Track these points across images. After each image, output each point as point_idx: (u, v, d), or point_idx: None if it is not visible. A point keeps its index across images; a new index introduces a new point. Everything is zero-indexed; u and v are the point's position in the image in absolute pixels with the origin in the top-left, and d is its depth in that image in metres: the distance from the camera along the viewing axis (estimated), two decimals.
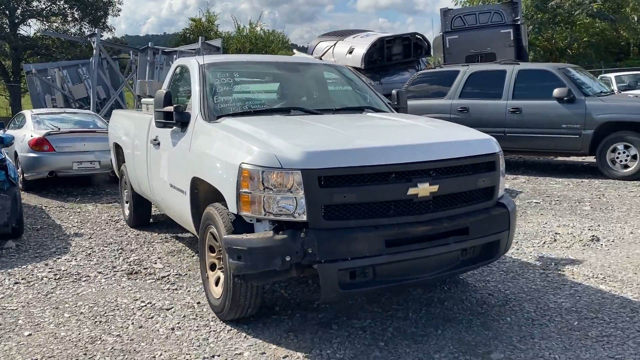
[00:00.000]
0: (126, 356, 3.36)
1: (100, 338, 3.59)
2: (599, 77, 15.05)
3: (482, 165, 3.64)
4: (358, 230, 3.18)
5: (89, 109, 15.29)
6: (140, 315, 3.94)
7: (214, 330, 3.65)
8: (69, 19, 33.40)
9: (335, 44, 12.48)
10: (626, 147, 8.50)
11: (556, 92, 8.75)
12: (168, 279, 4.69)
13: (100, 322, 3.84)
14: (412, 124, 4.15)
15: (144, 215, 6.73)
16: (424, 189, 3.30)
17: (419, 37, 13.00)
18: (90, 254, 5.52)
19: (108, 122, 8.38)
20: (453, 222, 3.43)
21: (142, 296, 4.30)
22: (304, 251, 3.10)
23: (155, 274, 4.81)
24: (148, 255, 5.37)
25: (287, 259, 3.11)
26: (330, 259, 3.11)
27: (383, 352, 3.31)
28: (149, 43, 16.38)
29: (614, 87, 15.86)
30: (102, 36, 17.91)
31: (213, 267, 3.93)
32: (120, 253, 5.51)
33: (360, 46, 12.05)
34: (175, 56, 14.45)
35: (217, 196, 3.79)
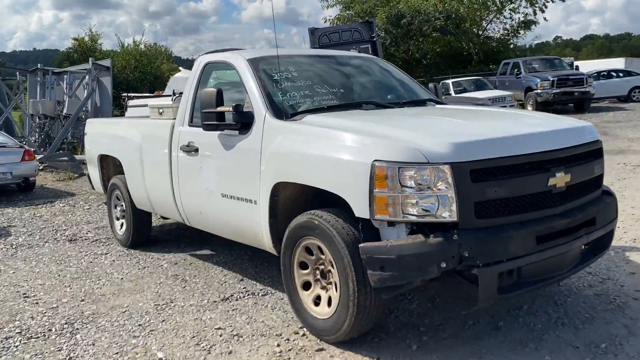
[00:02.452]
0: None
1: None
2: (440, 83, 17.19)
3: (596, 152, 3.48)
4: (510, 228, 2.89)
5: None
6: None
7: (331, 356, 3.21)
8: None
9: None
10: None
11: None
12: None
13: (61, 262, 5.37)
14: (510, 112, 3.93)
15: (145, 234, 6.02)
16: (561, 179, 3.08)
17: None
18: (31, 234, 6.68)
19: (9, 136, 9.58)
20: (583, 213, 3.23)
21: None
22: (459, 255, 2.76)
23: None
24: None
25: (443, 265, 2.75)
26: (488, 262, 2.79)
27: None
28: (38, 64, 16.31)
29: (452, 91, 18.77)
30: None
31: (307, 286, 3.46)
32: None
33: None
34: (65, 77, 14.62)
35: (314, 202, 3.37)
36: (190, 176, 4.49)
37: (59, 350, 3.48)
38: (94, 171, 6.56)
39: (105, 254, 5.68)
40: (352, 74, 4.52)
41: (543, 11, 25.01)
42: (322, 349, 3.28)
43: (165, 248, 5.81)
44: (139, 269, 5.14)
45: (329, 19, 24.54)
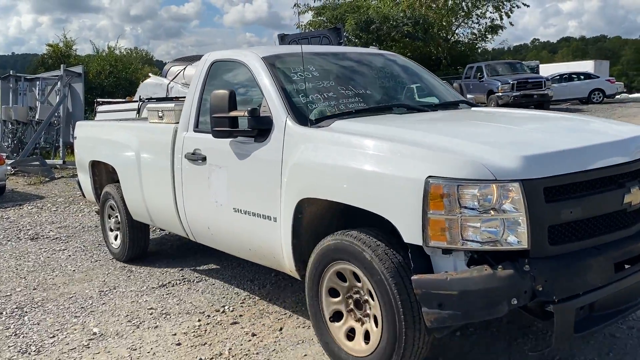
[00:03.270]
0: None
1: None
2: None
3: None
4: (587, 255, 2.47)
5: None
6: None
7: None
8: None
9: (185, 68, 13.65)
10: None
11: None
12: None
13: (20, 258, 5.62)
14: (564, 117, 3.51)
15: (142, 247, 5.53)
16: (636, 195, 2.67)
17: None
18: None
19: None
20: None
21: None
22: (532, 290, 2.33)
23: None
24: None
25: (514, 302, 2.32)
26: (566, 295, 2.37)
27: None
28: (10, 71, 16.55)
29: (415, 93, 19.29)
30: None
31: (338, 316, 3.02)
32: None
33: None
34: (38, 83, 14.78)
35: (341, 219, 2.94)
36: (197, 187, 4.02)
37: (7, 328, 3.93)
38: (84, 178, 6.05)
39: (64, 249, 6.01)
40: (376, 73, 4.07)
41: (509, 16, 25.59)
42: (236, 322, 3.80)
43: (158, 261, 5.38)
44: (91, 262, 5.53)
45: (302, 25, 24.75)
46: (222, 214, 3.76)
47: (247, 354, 3.31)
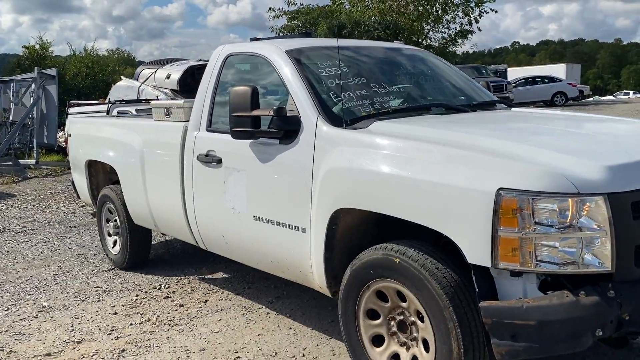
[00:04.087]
0: None
1: None
2: None
3: None
4: None
5: None
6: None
7: None
8: None
9: (156, 71, 14.65)
10: None
11: None
12: None
13: None
14: (616, 119, 3.23)
15: (144, 254, 5.18)
16: None
17: None
18: None
19: None
20: None
21: None
22: (618, 319, 2.04)
23: None
24: None
25: (599, 333, 2.03)
26: None
27: None
28: None
29: None
30: None
31: (378, 340, 2.71)
32: None
33: (176, 72, 14.48)
34: (12, 85, 14.92)
35: (375, 230, 2.64)
36: (210, 192, 3.68)
37: None
38: (80, 179, 5.67)
39: (27, 241, 6.32)
40: (408, 69, 3.76)
41: (477, 21, 25.85)
42: (168, 297, 4.36)
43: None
44: (51, 251, 5.90)
45: (276, 29, 24.79)
46: (240, 222, 3.43)
47: (171, 320, 3.91)
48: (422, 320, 2.46)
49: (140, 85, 14.19)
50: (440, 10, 25.87)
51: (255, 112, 3.08)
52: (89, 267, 5.30)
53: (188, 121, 3.96)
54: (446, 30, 26.94)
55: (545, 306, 2.04)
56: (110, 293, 4.54)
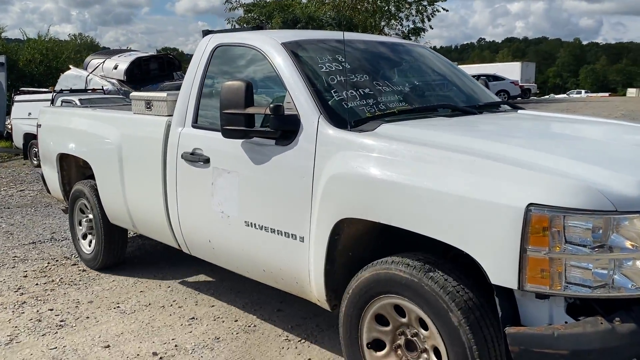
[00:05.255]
0: None
1: None
2: None
3: None
4: None
5: None
6: None
7: None
8: None
9: (104, 61, 15.04)
10: None
11: None
12: None
13: None
14: (634, 125, 3.08)
15: (119, 254, 4.88)
16: None
17: (170, 56, 16.41)
18: None
19: None
20: None
21: None
22: None
23: None
24: None
25: None
26: None
27: None
28: None
29: None
30: None
31: (377, 345, 2.52)
32: None
33: (123, 63, 14.83)
34: None
35: (379, 239, 2.46)
36: (196, 193, 3.42)
37: None
38: (51, 172, 5.32)
39: None
40: (411, 67, 3.55)
41: (430, 19, 26.65)
42: (75, 264, 5.03)
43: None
44: None
45: (232, 21, 24.96)
46: (230, 228, 3.18)
47: (72, 281, 4.61)
48: (438, 354, 2.27)
49: (88, 75, 14.20)
50: (394, 8, 26.35)
51: (250, 110, 2.83)
52: (13, 241, 5.92)
53: (171, 116, 3.69)
54: (400, 27, 27.51)
55: (579, 334, 1.87)
56: (26, 261, 5.19)
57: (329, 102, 2.83)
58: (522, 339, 1.93)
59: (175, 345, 3.40)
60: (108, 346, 3.43)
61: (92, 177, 4.65)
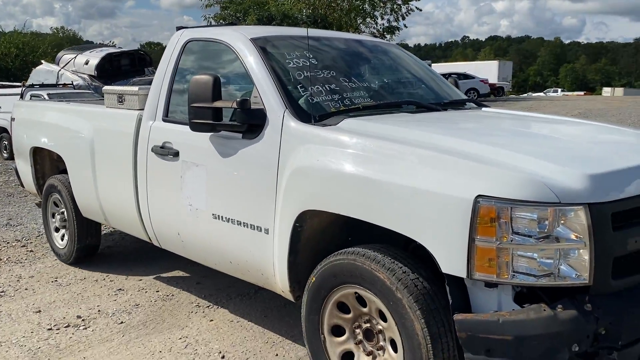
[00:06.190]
0: None
1: None
2: None
3: None
4: None
5: None
6: None
7: None
8: None
9: (76, 56, 14.40)
10: None
11: None
12: None
13: None
14: (595, 124, 3.17)
15: (92, 247, 4.88)
16: None
17: (141, 52, 15.72)
18: None
19: None
20: None
21: None
22: (595, 334, 1.97)
23: None
24: None
25: (575, 348, 1.96)
26: (631, 340, 2.03)
27: None
28: None
29: None
30: None
31: (338, 331, 2.59)
32: None
33: (94, 58, 14.24)
34: None
35: (343, 232, 2.52)
36: (166, 187, 3.45)
37: None
38: (24, 166, 5.29)
39: None
40: (378, 64, 3.62)
41: (404, 18, 27.10)
42: (24, 246, 5.41)
43: None
44: None
45: (209, 17, 25.13)
46: (198, 220, 3.22)
47: (18, 259, 5.01)
48: (393, 333, 2.34)
49: (60, 70, 14.19)
50: (369, 7, 26.62)
51: (217, 104, 2.87)
52: None
53: (143, 109, 3.71)
54: (375, 26, 27.76)
55: (522, 321, 1.95)
56: None
57: (295, 97, 2.89)
58: (469, 325, 2.00)
59: (99, 310, 3.85)
60: (39, 311, 3.83)
61: (65, 171, 4.65)
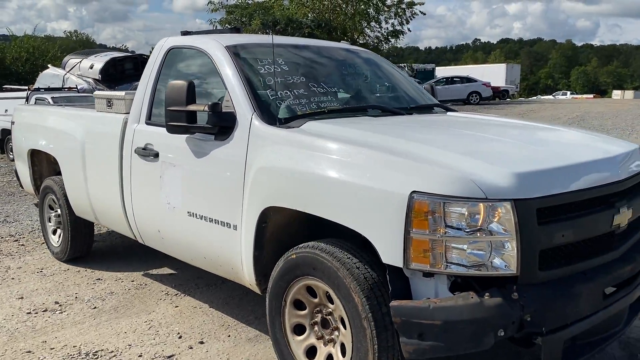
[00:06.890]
0: None
1: None
2: None
3: None
4: (576, 282, 2.29)
5: None
6: None
7: None
8: None
9: (81, 61, 15.41)
10: None
11: None
12: None
13: None
14: (548, 128, 3.33)
15: (85, 246, 5.09)
16: (624, 216, 2.52)
17: (145, 57, 16.24)
18: None
19: None
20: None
21: None
22: (521, 320, 2.13)
23: None
24: None
25: (501, 333, 2.11)
26: (555, 327, 2.19)
27: None
28: None
29: None
30: None
31: (299, 329, 2.76)
32: None
33: (99, 63, 15.30)
34: None
35: (306, 228, 2.68)
36: (147, 186, 3.65)
37: None
38: (23, 168, 5.53)
39: None
40: (348, 70, 3.79)
41: (408, 22, 27.13)
42: (17, 240, 5.76)
43: None
44: None
45: (214, 22, 25.26)
46: (175, 218, 3.41)
47: (10, 252, 5.36)
48: (345, 327, 2.50)
49: (66, 74, 14.43)
50: (373, 12, 26.74)
51: (191, 107, 3.06)
52: None
53: (129, 113, 3.92)
54: (379, 30, 27.90)
55: (450, 307, 2.11)
56: None
57: (264, 101, 3.07)
58: (402, 311, 2.17)
59: (76, 297, 4.21)
60: (22, 297, 4.21)
61: (60, 173, 4.87)
